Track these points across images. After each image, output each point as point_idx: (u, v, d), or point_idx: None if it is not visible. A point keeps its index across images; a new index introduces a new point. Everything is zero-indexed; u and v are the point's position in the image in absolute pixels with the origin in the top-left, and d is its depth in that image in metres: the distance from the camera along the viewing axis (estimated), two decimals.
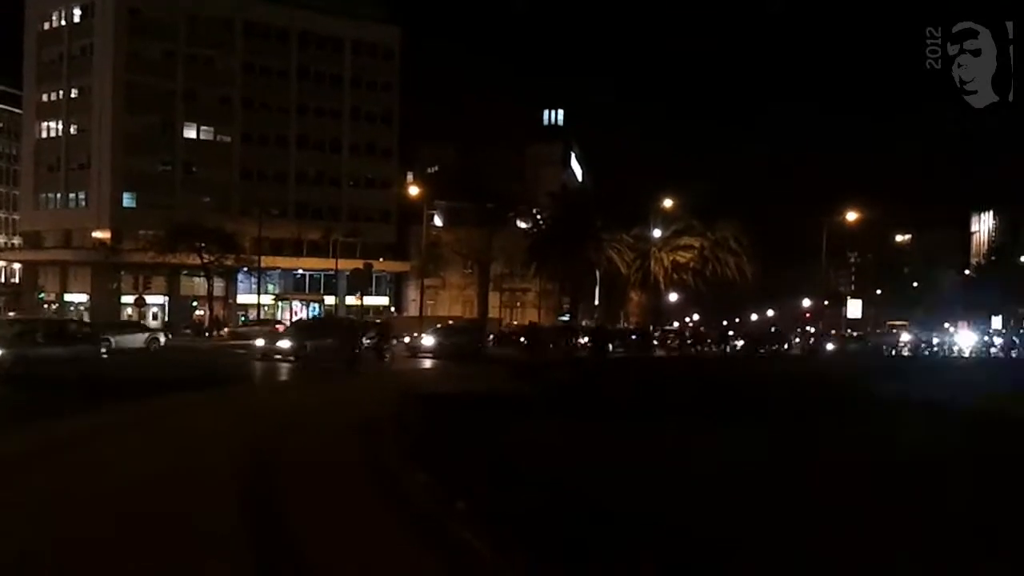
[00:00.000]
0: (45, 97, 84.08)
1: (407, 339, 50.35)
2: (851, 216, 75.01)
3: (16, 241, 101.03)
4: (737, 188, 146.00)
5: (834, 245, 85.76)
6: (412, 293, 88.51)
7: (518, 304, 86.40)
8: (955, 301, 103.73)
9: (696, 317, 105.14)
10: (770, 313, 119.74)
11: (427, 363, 43.25)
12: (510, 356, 45.07)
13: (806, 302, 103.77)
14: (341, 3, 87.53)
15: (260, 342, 42.51)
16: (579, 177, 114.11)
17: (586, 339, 56.98)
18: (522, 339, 53.61)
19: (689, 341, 66.66)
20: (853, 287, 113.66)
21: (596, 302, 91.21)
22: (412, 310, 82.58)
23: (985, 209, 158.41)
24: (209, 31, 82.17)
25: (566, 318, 77.20)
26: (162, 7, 79.94)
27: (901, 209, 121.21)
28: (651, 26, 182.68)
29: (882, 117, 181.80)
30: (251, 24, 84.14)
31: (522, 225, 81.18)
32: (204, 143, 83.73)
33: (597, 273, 77.16)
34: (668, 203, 72.45)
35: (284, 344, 39.95)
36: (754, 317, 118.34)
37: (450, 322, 64.73)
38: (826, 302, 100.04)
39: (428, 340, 49.06)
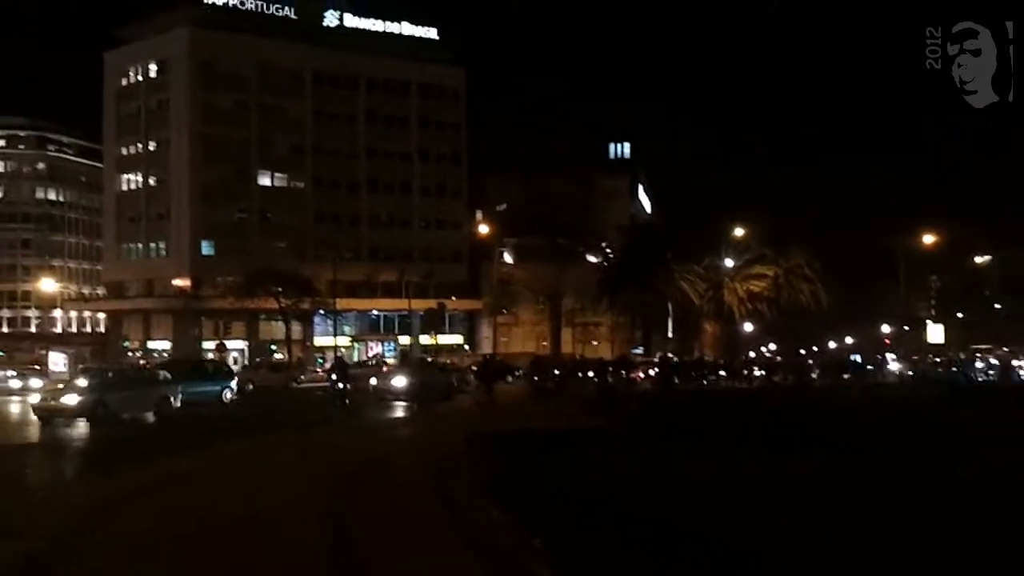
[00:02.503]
0: (125, 151, 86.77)
1: (373, 380, 42.97)
2: (928, 239, 73.79)
3: (100, 291, 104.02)
4: (809, 214, 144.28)
5: (912, 268, 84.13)
6: (485, 330, 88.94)
7: (591, 339, 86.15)
8: None
9: (772, 347, 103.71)
10: (848, 340, 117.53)
11: (399, 411, 35.15)
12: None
13: (885, 328, 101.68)
14: (406, 48, 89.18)
15: (35, 398, 32.61)
16: (647, 209, 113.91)
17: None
18: (534, 375, 48.26)
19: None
20: (933, 311, 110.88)
21: (669, 334, 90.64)
22: (486, 347, 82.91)
23: None
24: (279, 81, 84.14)
25: (639, 351, 76.88)
26: (234, 59, 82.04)
27: (979, 229, 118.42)
28: (720, 58, 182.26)
29: (953, 135, 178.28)
30: (319, 72, 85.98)
31: (592, 259, 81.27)
32: (278, 190, 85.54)
33: (669, 305, 76.83)
34: (739, 232, 71.99)
35: (69, 400, 28.92)
36: (832, 345, 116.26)
37: (427, 358, 60.14)
38: (906, 327, 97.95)
39: (399, 381, 40.83)
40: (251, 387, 46.54)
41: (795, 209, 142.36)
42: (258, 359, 73.21)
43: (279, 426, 26.98)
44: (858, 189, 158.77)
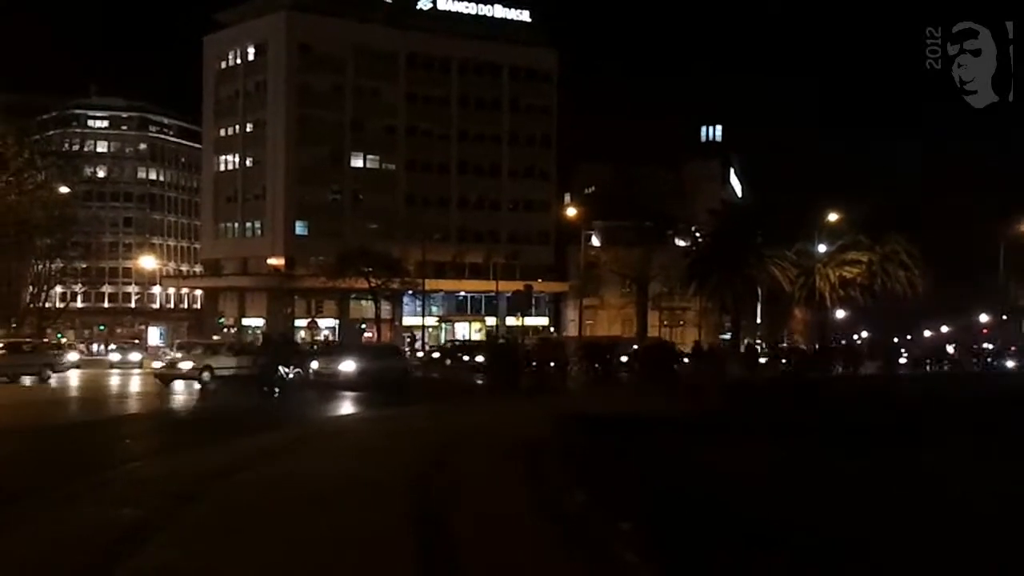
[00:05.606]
0: (223, 132, 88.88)
1: (314, 364, 37.16)
2: None
3: (198, 269, 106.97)
4: (905, 199, 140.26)
5: (1014, 256, 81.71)
6: (571, 313, 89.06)
7: (679, 323, 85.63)
8: None
9: (865, 334, 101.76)
10: (944, 329, 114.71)
11: (348, 404, 28.66)
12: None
13: (983, 317, 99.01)
14: (498, 30, 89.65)
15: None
16: (739, 193, 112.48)
17: None
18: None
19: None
20: None
21: (758, 320, 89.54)
22: (571, 330, 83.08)
23: None
24: (374, 63, 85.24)
25: (727, 336, 76.17)
26: (330, 43, 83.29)
27: None
28: (809, 36, 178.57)
29: None
30: (414, 55, 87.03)
31: (681, 243, 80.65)
32: (371, 171, 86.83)
33: (759, 290, 75.78)
34: (832, 217, 70.70)
35: None
36: (927, 333, 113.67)
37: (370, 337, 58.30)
38: (1004, 316, 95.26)
39: (347, 366, 35.93)
40: None
41: (892, 196, 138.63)
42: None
43: None
44: (958, 175, 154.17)
